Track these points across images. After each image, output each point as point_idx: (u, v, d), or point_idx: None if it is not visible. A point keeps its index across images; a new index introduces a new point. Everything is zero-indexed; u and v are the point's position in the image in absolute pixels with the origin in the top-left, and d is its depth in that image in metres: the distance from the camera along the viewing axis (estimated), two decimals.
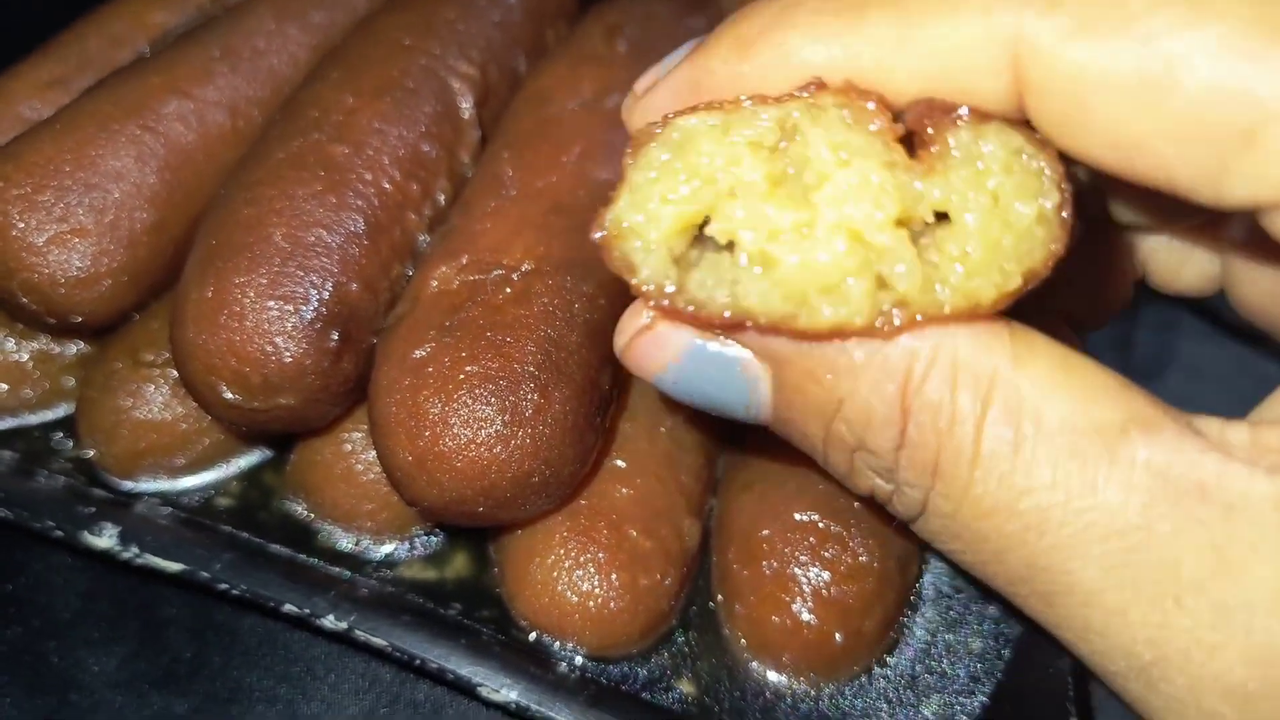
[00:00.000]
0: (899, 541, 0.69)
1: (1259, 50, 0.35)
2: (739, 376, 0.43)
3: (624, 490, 0.68)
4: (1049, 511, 0.38)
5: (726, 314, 0.40)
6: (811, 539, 0.67)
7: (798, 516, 0.68)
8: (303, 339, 0.64)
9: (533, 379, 0.61)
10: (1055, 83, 0.37)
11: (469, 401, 0.60)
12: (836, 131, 0.39)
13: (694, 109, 0.41)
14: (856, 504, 0.68)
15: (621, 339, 0.45)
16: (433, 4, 0.82)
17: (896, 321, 0.39)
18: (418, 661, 0.65)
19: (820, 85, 0.40)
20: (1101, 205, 0.57)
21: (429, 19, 0.80)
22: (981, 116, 0.39)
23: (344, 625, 0.66)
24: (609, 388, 0.67)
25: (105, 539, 0.69)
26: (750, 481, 0.71)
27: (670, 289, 0.41)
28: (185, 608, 0.74)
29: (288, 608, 0.67)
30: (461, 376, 0.61)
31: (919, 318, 0.39)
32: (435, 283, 0.67)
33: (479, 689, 0.64)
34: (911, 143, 0.40)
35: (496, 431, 0.60)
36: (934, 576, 0.73)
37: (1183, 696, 0.37)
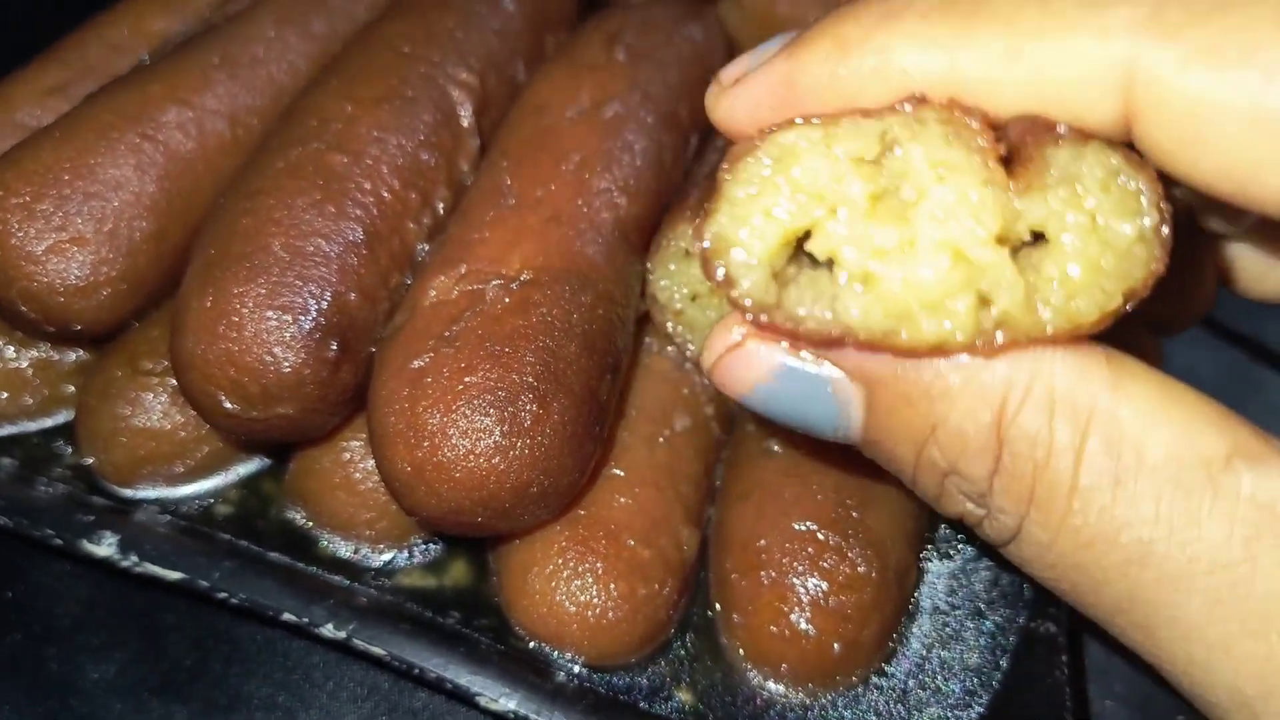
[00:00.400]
0: (897, 552, 0.69)
1: None
2: (830, 398, 0.43)
3: (622, 500, 0.69)
4: (1152, 545, 0.37)
5: (829, 330, 0.40)
6: (809, 549, 0.67)
7: (796, 526, 0.68)
8: (301, 349, 0.64)
9: (531, 390, 0.62)
10: (1170, 110, 0.37)
11: (468, 412, 0.61)
12: (937, 148, 0.39)
13: (792, 123, 0.41)
14: (855, 514, 0.68)
15: (710, 356, 0.45)
16: (432, 12, 0.82)
17: (998, 341, 0.39)
18: (416, 670, 0.66)
19: (922, 100, 0.40)
20: (1189, 212, 0.57)
21: (428, 27, 0.80)
22: (1082, 136, 0.39)
23: (343, 634, 0.67)
24: (607, 398, 0.67)
25: (105, 547, 0.70)
26: (748, 491, 0.71)
27: (770, 304, 0.41)
28: (185, 615, 0.75)
29: (286, 616, 0.67)
30: (460, 387, 0.61)
31: (1020, 338, 0.39)
32: (434, 292, 0.67)
33: (477, 698, 0.65)
34: (1009, 161, 0.40)
35: (495, 442, 0.60)
36: (931, 588, 0.73)
37: None
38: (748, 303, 0.41)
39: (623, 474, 0.70)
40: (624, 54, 0.81)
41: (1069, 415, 0.38)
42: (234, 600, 0.68)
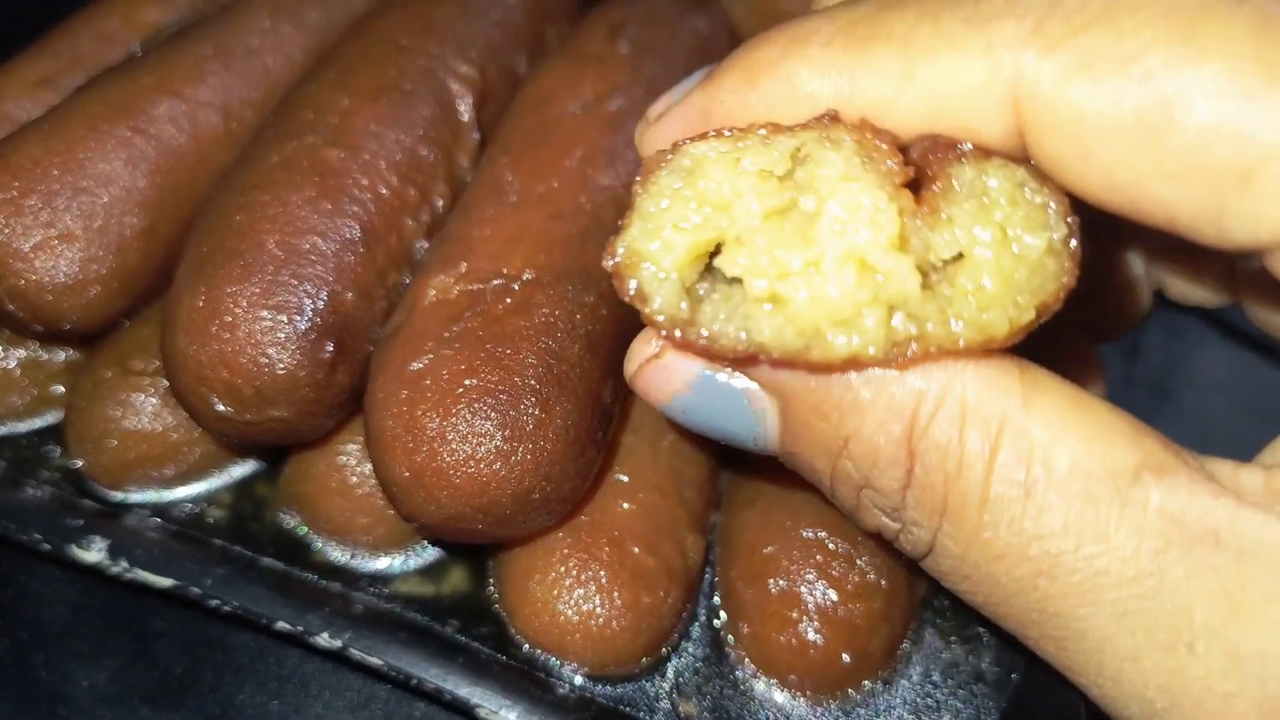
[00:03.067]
0: (906, 559, 0.68)
1: (1256, 90, 0.34)
2: (746, 408, 0.43)
3: (626, 505, 0.67)
4: (1060, 557, 0.37)
5: (742, 348, 0.39)
6: (818, 556, 0.66)
7: (804, 533, 0.66)
8: (296, 350, 0.62)
9: (533, 392, 0.60)
10: (1055, 123, 0.37)
11: (468, 416, 0.59)
12: (848, 167, 0.39)
13: (704, 136, 0.41)
14: None
15: (631, 366, 0.45)
16: (431, 3, 0.80)
17: (911, 353, 0.38)
18: (414, 681, 0.64)
19: (835, 117, 0.40)
20: (1115, 224, 0.56)
21: (427, 18, 0.79)
22: (984, 153, 0.39)
23: (338, 643, 0.65)
24: (611, 401, 0.66)
25: (94, 553, 0.68)
26: (754, 497, 0.70)
27: (683, 320, 0.40)
28: (177, 621, 0.73)
29: (280, 625, 0.66)
30: (460, 390, 0.59)
31: (933, 351, 0.38)
32: (433, 292, 0.65)
33: (476, 709, 0.63)
34: (917, 184, 0.39)
35: (496, 447, 0.59)
36: (942, 595, 0.72)
37: None
38: (660, 319, 0.40)
39: (626, 479, 0.68)
40: (627, 46, 0.79)
41: (980, 427, 0.38)
42: (226, 608, 0.67)
